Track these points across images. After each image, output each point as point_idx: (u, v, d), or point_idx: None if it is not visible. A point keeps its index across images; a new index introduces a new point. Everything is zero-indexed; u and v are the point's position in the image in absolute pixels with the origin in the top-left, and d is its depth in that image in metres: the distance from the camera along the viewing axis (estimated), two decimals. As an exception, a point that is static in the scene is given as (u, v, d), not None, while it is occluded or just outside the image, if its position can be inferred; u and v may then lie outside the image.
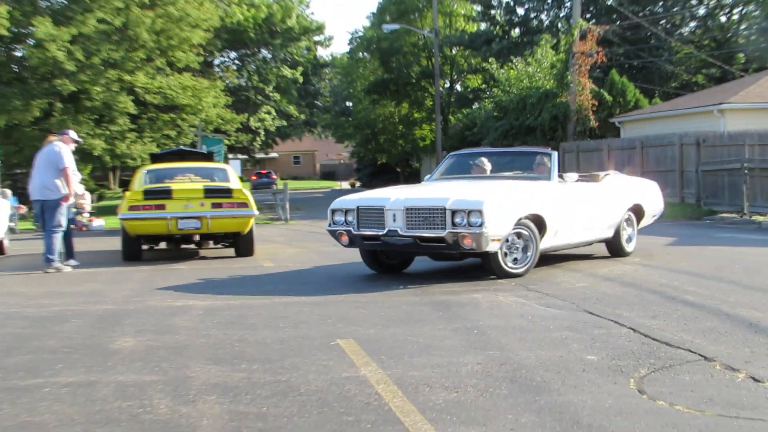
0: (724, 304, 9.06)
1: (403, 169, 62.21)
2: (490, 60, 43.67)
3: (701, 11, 46.47)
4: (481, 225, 10.36)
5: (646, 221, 13.63)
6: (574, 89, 34.21)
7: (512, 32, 47.44)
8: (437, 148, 46.85)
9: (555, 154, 12.47)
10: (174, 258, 15.61)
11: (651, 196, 13.75)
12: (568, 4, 42.28)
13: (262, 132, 56.80)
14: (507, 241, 10.95)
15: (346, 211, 11.77)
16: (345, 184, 76.37)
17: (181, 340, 7.84)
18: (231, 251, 15.80)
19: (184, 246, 16.51)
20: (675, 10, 44.23)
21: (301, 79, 59.03)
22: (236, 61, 57.16)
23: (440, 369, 6.49)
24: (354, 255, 13.16)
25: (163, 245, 16.66)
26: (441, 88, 50.21)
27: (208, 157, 20.17)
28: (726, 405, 5.33)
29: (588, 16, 38.96)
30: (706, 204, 24.55)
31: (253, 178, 61.08)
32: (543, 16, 46.95)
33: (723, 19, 46.55)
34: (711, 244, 16.05)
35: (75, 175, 14.69)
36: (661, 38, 42.06)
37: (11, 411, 5.66)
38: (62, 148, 14.09)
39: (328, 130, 70.07)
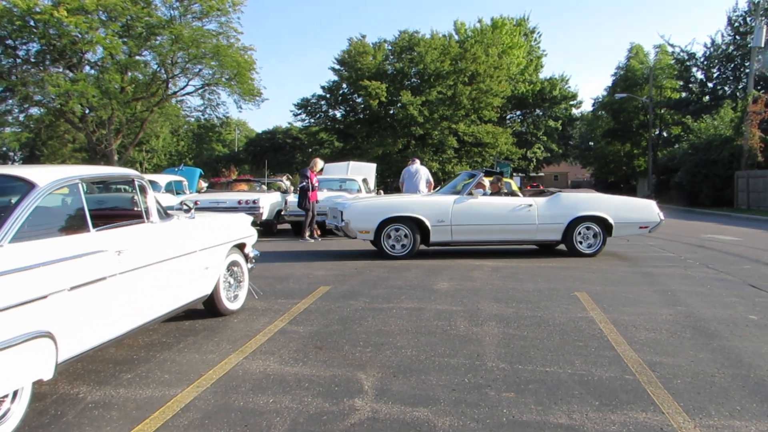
0: None
1: (625, 185, 58.75)
2: (687, 117, 40.80)
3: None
4: (345, 221, 10.18)
5: (622, 230, 10.83)
6: (747, 136, 31.09)
7: (703, 99, 43.57)
8: (649, 173, 44.16)
9: (478, 174, 11.10)
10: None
11: (629, 210, 10.99)
12: (744, 80, 38.28)
13: (534, 160, 55.68)
14: (397, 230, 10.33)
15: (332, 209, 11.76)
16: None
17: (476, 286, 7.74)
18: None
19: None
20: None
21: (560, 128, 57.34)
22: (519, 116, 56.37)
23: (643, 316, 5.98)
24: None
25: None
26: (652, 134, 47.00)
27: (500, 174, 19.97)
28: None
29: (758, 87, 34.96)
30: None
31: (528, 188, 60.00)
32: (726, 88, 42.66)
33: None
34: None
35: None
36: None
37: (373, 322, 5.81)
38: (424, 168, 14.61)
39: (577, 160, 67.39)
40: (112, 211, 4.89)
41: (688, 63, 44.72)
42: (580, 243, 10.74)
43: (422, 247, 10.64)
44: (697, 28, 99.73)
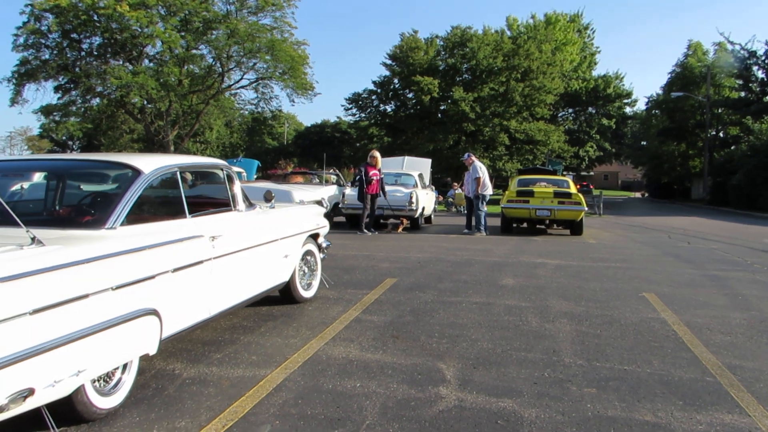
0: None
1: (678, 187, 57.43)
2: (747, 117, 39.43)
3: None
4: None
5: None
6: (811, 138, 30.03)
7: (764, 98, 42.10)
8: (704, 175, 43.14)
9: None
10: (532, 233, 15.48)
11: None
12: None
13: (586, 159, 54.96)
14: None
15: None
16: (637, 194, 72.01)
17: (541, 283, 7.75)
18: (567, 231, 15.43)
19: (539, 226, 16.24)
20: None
21: (613, 126, 56.45)
22: (572, 114, 55.66)
23: (716, 319, 5.92)
24: (651, 238, 12.25)
25: (525, 225, 16.55)
26: (709, 135, 45.80)
27: (552, 173, 19.85)
28: None
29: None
30: None
31: (578, 187, 59.11)
32: (789, 88, 41.23)
33: None
34: None
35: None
36: None
37: (445, 314, 5.89)
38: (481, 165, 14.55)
39: (628, 159, 66.20)
40: (201, 198, 5.07)
41: (748, 61, 43.35)
42: None
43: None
44: (758, 25, 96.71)
